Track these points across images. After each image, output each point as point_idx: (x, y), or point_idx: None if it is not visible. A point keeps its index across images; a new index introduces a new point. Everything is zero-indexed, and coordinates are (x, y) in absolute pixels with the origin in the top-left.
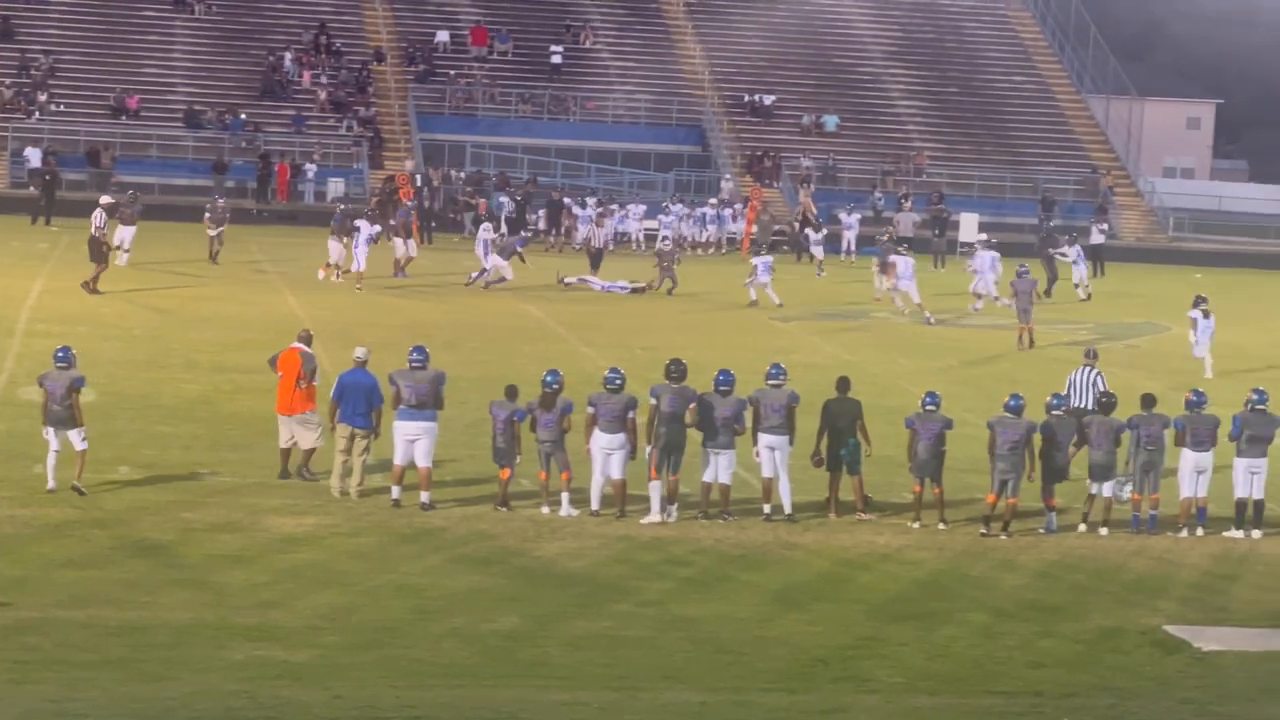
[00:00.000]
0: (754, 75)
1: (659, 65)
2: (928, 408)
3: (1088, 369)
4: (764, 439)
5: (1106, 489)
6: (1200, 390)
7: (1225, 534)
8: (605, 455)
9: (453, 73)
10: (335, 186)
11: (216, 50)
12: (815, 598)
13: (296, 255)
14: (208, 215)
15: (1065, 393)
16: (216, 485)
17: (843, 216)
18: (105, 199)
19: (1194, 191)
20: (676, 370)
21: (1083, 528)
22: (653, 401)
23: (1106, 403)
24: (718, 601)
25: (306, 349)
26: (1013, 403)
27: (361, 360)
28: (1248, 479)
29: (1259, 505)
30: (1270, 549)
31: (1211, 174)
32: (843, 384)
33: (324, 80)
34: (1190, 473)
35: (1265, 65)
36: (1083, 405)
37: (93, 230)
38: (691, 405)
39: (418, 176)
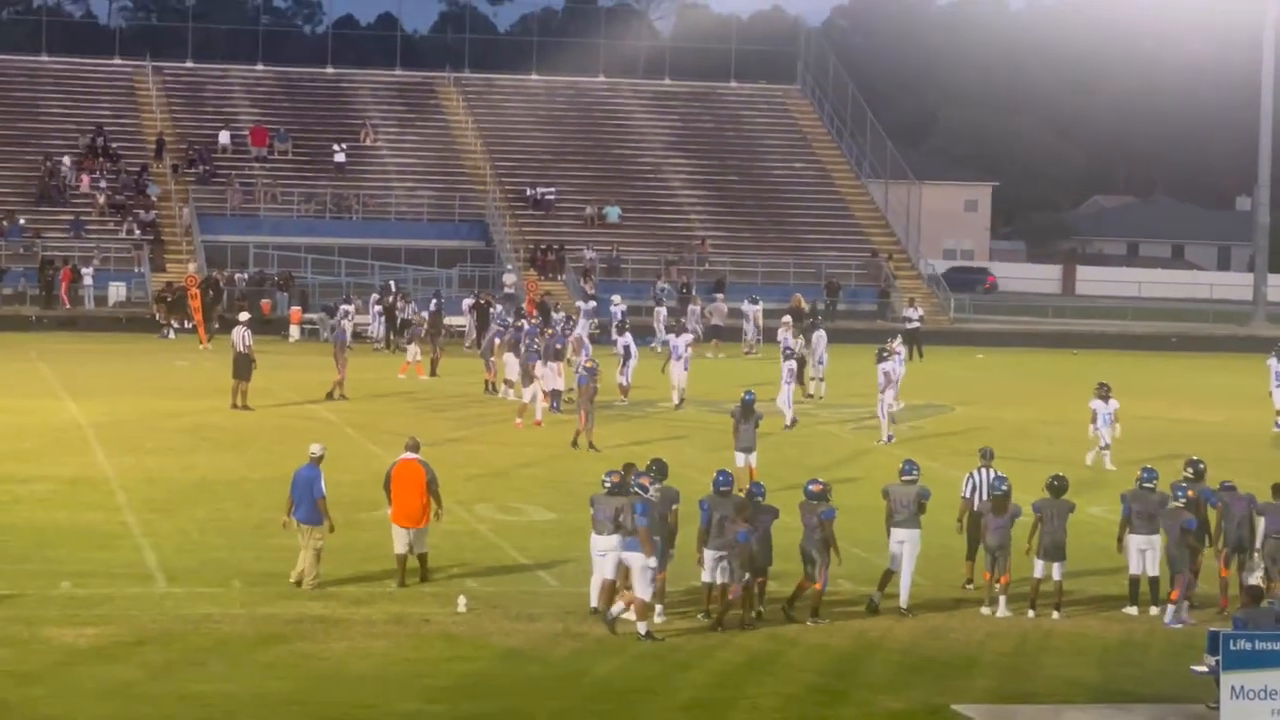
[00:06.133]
0: (535, 169)
1: (440, 161)
2: (905, 479)
3: (986, 469)
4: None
5: (1056, 570)
6: (1151, 468)
7: (1123, 611)
8: (600, 556)
9: (233, 174)
10: (116, 291)
11: None
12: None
13: (78, 362)
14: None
15: (967, 493)
16: None
17: (745, 306)
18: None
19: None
20: (658, 470)
21: (1032, 613)
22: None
23: (1059, 485)
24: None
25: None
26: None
27: (315, 456)
28: (1139, 556)
29: (1153, 582)
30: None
31: (990, 255)
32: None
33: (103, 184)
34: (1134, 552)
35: (1035, 147)
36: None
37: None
38: (674, 506)
39: (206, 276)
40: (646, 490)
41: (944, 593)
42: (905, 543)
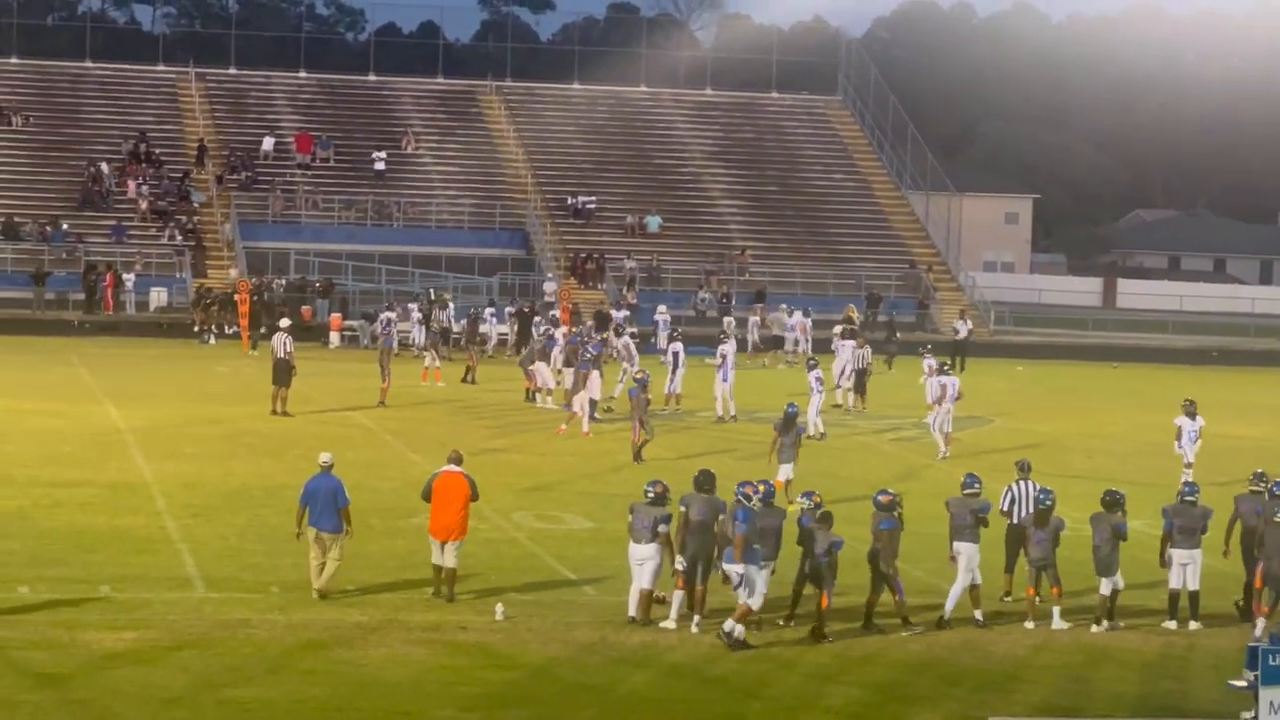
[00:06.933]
0: (576, 178)
1: (481, 169)
2: (966, 492)
3: (1024, 482)
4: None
5: (1103, 585)
6: (1192, 482)
7: (1162, 625)
8: (638, 565)
9: (275, 180)
10: (157, 296)
11: (35, 161)
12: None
13: (119, 366)
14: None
15: (1005, 507)
16: (33, 602)
17: (786, 318)
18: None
19: (1014, 285)
20: (706, 481)
21: (1095, 628)
22: (682, 509)
23: (1108, 500)
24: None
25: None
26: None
27: (327, 465)
28: (1180, 570)
29: (1194, 596)
30: (1134, 641)
31: (1031, 268)
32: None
33: (145, 190)
34: (1175, 566)
35: (1076, 160)
36: (1025, 516)
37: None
38: (721, 516)
39: (255, 282)
40: (749, 499)
41: (983, 605)
42: (961, 555)
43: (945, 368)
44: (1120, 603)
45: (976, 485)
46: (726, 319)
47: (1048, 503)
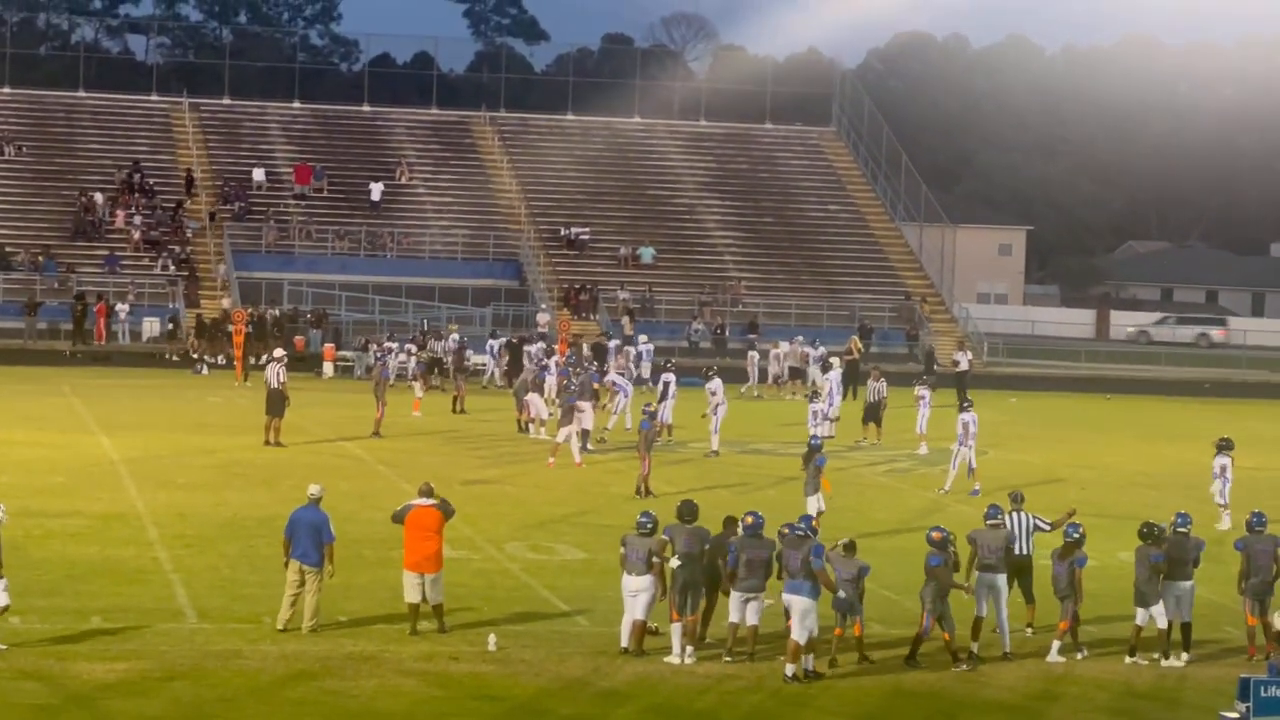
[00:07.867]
0: (570, 208)
1: (475, 200)
2: (990, 523)
3: (1018, 513)
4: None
5: (1140, 616)
6: (1185, 513)
7: (1155, 656)
8: (631, 597)
9: (269, 210)
10: (150, 326)
11: (28, 191)
12: None
13: (111, 396)
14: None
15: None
16: (25, 633)
17: (783, 347)
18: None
19: (1007, 317)
20: (689, 512)
21: (1165, 661)
22: (665, 539)
23: (1145, 532)
24: None
25: (437, 501)
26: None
27: (315, 497)
28: (1173, 601)
29: (1186, 628)
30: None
31: (1024, 299)
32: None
33: (137, 220)
34: (1169, 597)
35: (1070, 192)
36: (1024, 551)
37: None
38: (706, 547)
39: (250, 312)
40: (816, 533)
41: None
42: (996, 587)
43: (966, 404)
44: (1113, 634)
45: (1000, 516)
46: (751, 353)
47: (1075, 535)
